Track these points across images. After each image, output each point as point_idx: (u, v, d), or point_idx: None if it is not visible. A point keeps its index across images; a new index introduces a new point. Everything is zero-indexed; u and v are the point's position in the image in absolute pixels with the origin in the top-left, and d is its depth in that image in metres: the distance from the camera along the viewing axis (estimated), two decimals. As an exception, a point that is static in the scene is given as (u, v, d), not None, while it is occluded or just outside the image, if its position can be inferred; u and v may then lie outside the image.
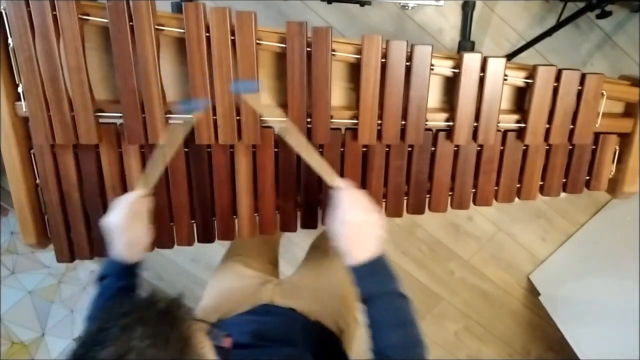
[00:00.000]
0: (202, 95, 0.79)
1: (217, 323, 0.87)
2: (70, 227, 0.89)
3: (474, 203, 0.95)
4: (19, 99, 0.79)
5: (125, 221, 0.73)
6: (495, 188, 0.94)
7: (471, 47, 1.72)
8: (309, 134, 0.84)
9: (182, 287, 2.09)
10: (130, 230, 0.73)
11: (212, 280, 1.08)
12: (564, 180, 0.96)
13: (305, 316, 0.89)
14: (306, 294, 0.95)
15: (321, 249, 1.16)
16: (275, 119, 0.77)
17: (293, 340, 0.79)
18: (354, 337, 0.96)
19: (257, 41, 0.78)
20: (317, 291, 0.98)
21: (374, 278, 0.68)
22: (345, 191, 0.70)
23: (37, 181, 0.85)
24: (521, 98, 0.92)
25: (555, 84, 0.86)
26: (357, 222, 0.68)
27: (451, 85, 0.89)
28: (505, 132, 0.90)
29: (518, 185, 0.95)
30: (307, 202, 0.91)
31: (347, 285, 1.03)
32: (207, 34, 0.77)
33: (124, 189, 0.87)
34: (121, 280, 0.75)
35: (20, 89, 0.78)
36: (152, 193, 0.77)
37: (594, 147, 0.94)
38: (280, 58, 0.83)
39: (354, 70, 0.85)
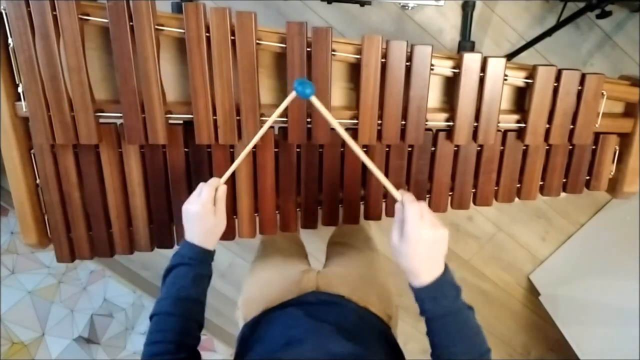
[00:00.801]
0: (202, 95, 0.79)
1: (262, 314, 0.87)
2: (70, 227, 0.89)
3: (474, 203, 0.95)
4: (19, 99, 0.79)
5: (209, 207, 0.73)
6: (495, 188, 0.94)
7: (471, 47, 1.72)
8: (309, 134, 0.84)
9: (182, 287, 2.09)
10: (213, 216, 0.74)
11: (250, 276, 1.07)
12: (564, 180, 0.96)
13: (355, 302, 0.88)
14: (350, 281, 0.94)
15: (347, 244, 1.15)
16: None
17: (362, 337, 0.77)
18: (397, 323, 0.95)
19: (257, 41, 0.78)
20: (360, 279, 0.97)
21: (442, 299, 0.64)
22: (411, 206, 0.63)
23: (37, 181, 0.85)
24: (521, 98, 0.92)
25: (555, 84, 0.86)
26: (426, 241, 0.62)
27: (451, 85, 0.89)
28: (505, 132, 0.90)
29: (518, 185, 0.95)
30: (307, 202, 0.91)
31: (385, 274, 1.04)
32: (207, 34, 0.77)
33: (124, 188, 0.87)
34: (197, 267, 0.74)
35: (20, 89, 0.78)
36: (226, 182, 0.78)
37: (594, 147, 0.94)
38: (280, 58, 0.83)
39: (354, 70, 0.85)
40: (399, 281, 2.13)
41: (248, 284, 1.03)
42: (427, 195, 0.94)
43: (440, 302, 0.63)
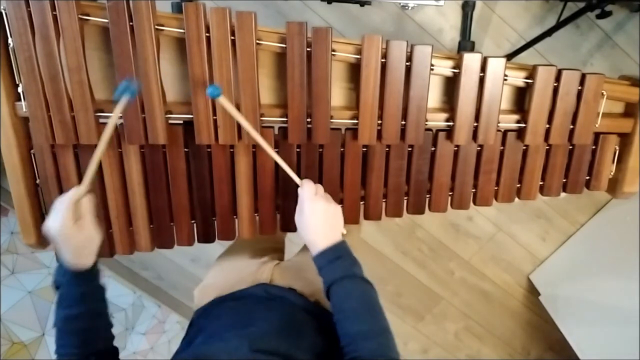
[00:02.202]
0: (202, 95, 0.79)
1: (213, 301, 0.87)
2: (70, 227, 0.89)
3: (474, 203, 0.95)
4: (19, 99, 0.79)
5: (70, 224, 0.65)
6: (495, 188, 0.94)
7: (471, 47, 1.72)
8: (309, 134, 0.84)
9: (182, 287, 2.09)
10: (76, 233, 0.66)
11: (215, 264, 1.08)
12: (564, 180, 0.96)
13: (304, 296, 0.88)
14: (306, 275, 0.94)
15: None
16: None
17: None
18: None
19: (257, 41, 0.78)
20: (316, 273, 0.97)
21: (338, 262, 0.71)
22: (307, 185, 0.75)
23: (37, 181, 0.85)
24: (521, 98, 0.92)
25: (555, 84, 0.86)
26: (320, 212, 0.73)
27: (451, 85, 0.89)
28: (505, 132, 0.90)
29: (518, 185, 0.95)
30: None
31: None
32: (207, 34, 0.77)
33: (124, 189, 0.87)
34: (78, 287, 0.69)
35: (20, 89, 0.78)
36: (91, 189, 0.70)
37: (594, 147, 0.94)
38: (280, 58, 0.83)
39: (354, 70, 0.85)
40: (398, 281, 2.14)
41: (210, 272, 1.04)
42: (427, 195, 0.94)
43: (336, 266, 0.71)
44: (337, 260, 0.71)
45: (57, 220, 0.65)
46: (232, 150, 0.86)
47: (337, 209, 0.76)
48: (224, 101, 0.74)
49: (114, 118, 0.70)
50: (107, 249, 0.91)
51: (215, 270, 1.04)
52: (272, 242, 1.20)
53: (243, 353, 0.64)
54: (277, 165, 0.87)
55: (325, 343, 0.75)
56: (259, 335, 0.69)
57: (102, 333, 0.74)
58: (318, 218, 0.73)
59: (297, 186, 0.79)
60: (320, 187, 0.77)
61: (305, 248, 1.14)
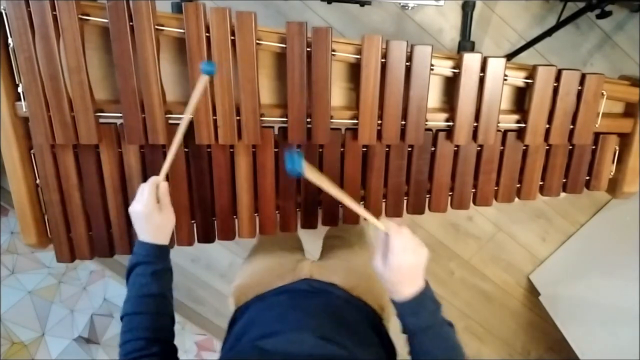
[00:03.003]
0: (202, 96, 0.79)
1: (255, 298, 0.88)
2: (70, 227, 0.89)
3: (474, 203, 0.95)
4: (19, 99, 0.79)
5: (154, 205, 0.75)
6: (495, 188, 0.94)
7: (471, 47, 1.72)
8: (309, 134, 0.84)
9: (182, 287, 2.09)
10: (157, 213, 0.75)
11: (244, 265, 1.08)
12: (564, 180, 0.96)
13: (347, 291, 0.88)
14: (343, 272, 0.95)
15: (342, 238, 1.16)
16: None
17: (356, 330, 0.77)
18: (391, 318, 0.95)
19: (257, 41, 0.78)
20: (352, 270, 0.97)
21: (421, 312, 0.67)
22: (396, 237, 0.67)
23: (37, 181, 0.85)
24: (521, 98, 0.92)
25: (555, 84, 0.86)
26: (408, 266, 0.67)
27: (451, 85, 0.89)
28: (505, 132, 0.90)
29: (518, 185, 0.95)
30: (307, 202, 0.91)
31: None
32: (207, 34, 0.77)
33: (124, 188, 0.87)
34: (153, 264, 0.75)
35: (20, 89, 0.78)
36: (166, 179, 0.79)
37: (594, 147, 0.94)
38: (280, 58, 0.83)
39: (354, 70, 0.85)
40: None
41: (242, 272, 1.04)
42: (427, 195, 0.94)
43: (421, 316, 0.67)
44: (421, 310, 0.67)
45: (142, 200, 0.75)
46: (232, 150, 0.86)
47: (425, 255, 0.68)
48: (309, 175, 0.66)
49: (194, 97, 0.74)
50: (107, 249, 0.91)
51: (248, 271, 1.03)
52: (292, 241, 1.21)
53: (310, 342, 0.66)
54: (277, 165, 0.88)
55: (372, 336, 0.77)
56: (320, 325, 0.72)
57: (168, 322, 0.76)
58: (406, 271, 0.67)
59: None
60: (407, 233, 0.68)
61: (329, 251, 1.12)
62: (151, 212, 0.74)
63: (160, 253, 0.76)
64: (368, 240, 1.20)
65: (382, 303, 0.92)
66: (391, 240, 0.67)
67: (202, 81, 0.72)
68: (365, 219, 0.72)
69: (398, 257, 0.66)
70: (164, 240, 0.77)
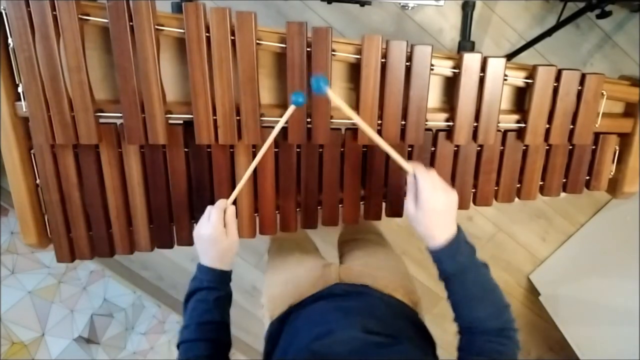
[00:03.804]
0: (202, 95, 0.79)
1: (289, 310, 0.88)
2: (70, 227, 0.89)
3: (474, 203, 0.95)
4: (19, 99, 0.79)
5: (221, 230, 0.73)
6: (495, 188, 0.94)
7: (471, 47, 1.72)
8: (309, 134, 0.84)
9: (182, 287, 2.09)
10: (224, 238, 0.74)
11: (271, 274, 1.07)
12: (564, 180, 0.96)
13: (379, 290, 0.89)
14: (371, 272, 0.95)
15: (361, 240, 1.16)
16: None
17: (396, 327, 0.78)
18: (422, 309, 0.96)
19: (257, 41, 0.78)
20: (381, 269, 0.98)
21: (458, 256, 0.68)
22: (424, 177, 0.68)
23: (37, 181, 0.85)
24: (521, 98, 0.92)
25: (555, 84, 0.86)
26: (441, 208, 0.67)
27: (451, 85, 0.89)
28: (505, 132, 0.90)
29: (518, 185, 0.95)
30: (307, 202, 0.91)
31: (404, 263, 1.06)
32: (207, 34, 0.77)
33: (124, 188, 0.87)
34: (216, 290, 0.75)
35: (20, 89, 0.78)
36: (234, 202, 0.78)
37: (594, 147, 0.94)
38: (280, 58, 0.83)
39: (354, 70, 0.85)
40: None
41: (270, 282, 1.03)
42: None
43: (457, 260, 0.68)
44: (457, 254, 0.68)
45: (210, 225, 0.73)
46: (232, 150, 0.86)
47: (456, 197, 0.69)
48: (331, 94, 0.68)
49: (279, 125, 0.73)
50: (107, 249, 0.91)
51: (277, 281, 1.02)
52: (308, 242, 1.21)
53: (358, 338, 0.67)
54: (277, 165, 0.88)
55: (412, 330, 0.78)
56: (365, 321, 0.72)
57: (227, 350, 0.75)
58: (439, 212, 0.67)
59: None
60: (434, 175, 0.69)
61: (350, 253, 1.12)
62: (219, 236, 0.73)
63: (224, 279, 0.76)
64: (386, 238, 1.20)
65: (414, 298, 0.93)
66: (419, 181, 0.68)
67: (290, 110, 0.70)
68: (395, 161, 0.72)
69: (429, 197, 0.66)
70: (227, 265, 0.77)
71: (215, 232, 0.73)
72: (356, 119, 0.71)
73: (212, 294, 0.74)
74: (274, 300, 0.94)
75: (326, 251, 1.25)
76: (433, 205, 0.67)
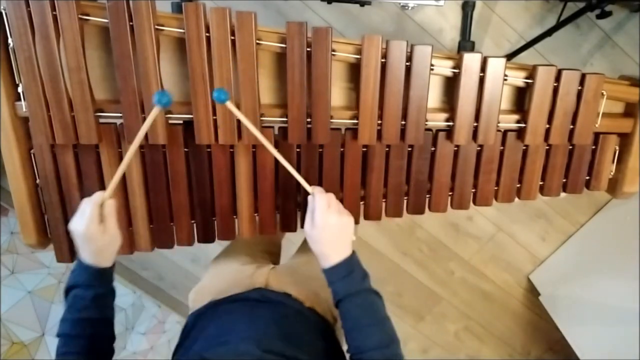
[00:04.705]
0: (202, 95, 0.79)
1: (209, 304, 0.87)
2: (70, 227, 0.89)
3: (474, 203, 0.95)
4: (19, 99, 0.79)
5: (96, 226, 0.68)
6: (495, 188, 0.94)
7: (471, 47, 1.72)
8: (309, 134, 0.84)
9: (182, 287, 2.09)
10: (100, 235, 0.68)
11: (210, 266, 1.08)
12: (564, 180, 0.96)
13: (300, 302, 0.88)
14: (301, 280, 0.95)
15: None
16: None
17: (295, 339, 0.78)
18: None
19: (257, 41, 0.78)
20: (310, 279, 0.96)
21: (349, 278, 0.71)
22: (320, 196, 0.73)
23: (37, 181, 0.85)
24: (521, 98, 0.92)
25: (555, 84, 0.86)
26: (333, 226, 0.71)
27: (451, 85, 0.89)
28: (505, 132, 0.90)
29: (518, 185, 0.95)
30: (307, 202, 0.91)
31: None
32: (207, 34, 0.77)
33: (124, 188, 0.87)
34: (93, 288, 0.71)
35: (20, 89, 0.78)
36: (114, 195, 0.72)
37: (594, 147, 0.94)
38: (280, 58, 0.83)
39: (354, 70, 0.85)
40: (398, 281, 2.14)
41: (206, 273, 1.04)
42: (427, 195, 0.94)
43: (349, 281, 0.71)
44: (349, 276, 0.71)
45: (82, 221, 0.67)
46: (232, 150, 0.86)
47: (350, 221, 0.73)
48: (230, 106, 0.72)
49: (144, 127, 0.69)
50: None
51: (211, 273, 1.04)
52: (268, 244, 1.20)
53: (254, 355, 0.66)
54: (277, 165, 0.88)
55: (322, 348, 0.77)
56: (263, 337, 0.71)
57: (108, 344, 0.74)
58: (331, 233, 0.71)
59: (305, 192, 0.76)
60: (332, 197, 0.74)
61: (301, 249, 1.14)
62: (92, 234, 0.67)
63: (102, 276, 0.71)
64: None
65: (335, 313, 0.91)
66: (316, 201, 0.72)
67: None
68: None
69: (321, 215, 0.71)
70: (106, 262, 0.71)
71: (89, 230, 0.67)
72: (260, 137, 0.74)
73: (89, 291, 0.70)
74: (198, 292, 0.94)
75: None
76: (325, 224, 0.71)
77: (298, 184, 0.89)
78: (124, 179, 0.87)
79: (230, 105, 0.71)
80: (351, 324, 0.70)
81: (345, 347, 0.73)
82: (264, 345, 0.68)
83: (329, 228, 0.71)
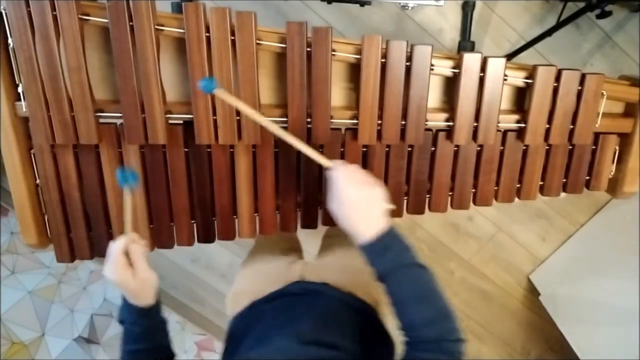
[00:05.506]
0: (202, 95, 0.79)
1: (250, 305, 0.88)
2: (70, 227, 0.89)
3: (474, 203, 0.95)
4: (19, 99, 0.79)
5: (125, 272, 0.69)
6: (495, 188, 0.94)
7: (471, 47, 1.72)
8: (309, 134, 0.84)
9: (182, 287, 2.09)
10: (131, 279, 0.69)
11: (242, 270, 1.09)
12: (564, 180, 0.96)
13: (339, 289, 0.88)
14: (335, 270, 0.95)
15: (336, 236, 1.17)
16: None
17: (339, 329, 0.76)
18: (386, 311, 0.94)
19: (257, 41, 0.78)
20: (345, 267, 0.98)
21: (388, 253, 0.64)
22: (338, 169, 0.67)
23: (37, 181, 0.85)
24: (521, 98, 0.92)
25: (555, 84, 0.86)
26: (355, 199, 0.64)
27: (451, 85, 0.89)
28: (505, 132, 0.90)
29: (518, 185, 0.95)
30: (307, 202, 0.91)
31: None
32: (207, 34, 0.77)
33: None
34: (140, 325, 0.73)
35: (20, 89, 0.78)
36: (137, 238, 0.74)
37: (594, 147, 0.94)
38: (280, 58, 0.83)
39: (354, 70, 0.85)
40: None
41: (238, 278, 1.04)
42: (427, 195, 0.94)
43: (386, 256, 0.64)
44: (387, 251, 0.64)
45: (111, 269, 0.69)
46: (232, 150, 0.86)
47: (376, 191, 0.65)
48: (220, 93, 0.69)
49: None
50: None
51: (243, 277, 1.04)
52: (289, 242, 1.21)
53: (294, 349, 0.65)
54: (277, 165, 0.88)
55: (364, 332, 0.76)
56: (304, 329, 0.70)
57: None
58: (356, 207, 0.64)
59: (320, 171, 0.71)
60: (353, 168, 0.67)
61: (323, 250, 1.13)
62: (123, 280, 0.69)
63: (147, 312, 0.73)
64: None
65: (376, 297, 0.92)
66: (333, 175, 0.66)
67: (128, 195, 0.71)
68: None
69: (341, 189, 0.64)
70: (147, 300, 0.73)
71: (118, 277, 0.68)
72: (260, 120, 0.71)
73: (136, 327, 0.73)
74: (236, 295, 0.95)
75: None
76: (346, 199, 0.64)
77: (298, 184, 0.90)
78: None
79: (219, 92, 0.69)
80: (397, 302, 0.64)
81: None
82: (304, 337, 0.68)
83: (352, 202, 0.64)
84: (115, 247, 0.70)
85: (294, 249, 1.19)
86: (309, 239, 1.34)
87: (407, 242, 0.66)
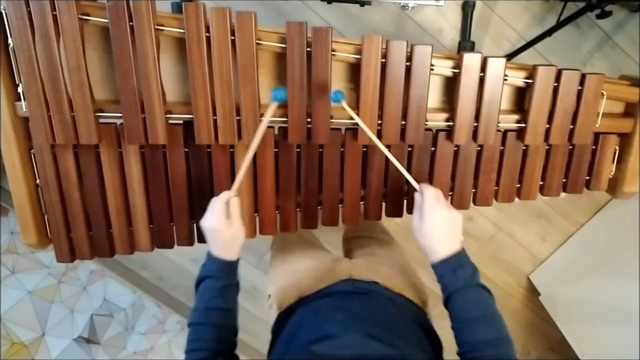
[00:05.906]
0: (202, 95, 0.79)
1: (299, 301, 0.88)
2: (70, 227, 0.89)
3: (474, 203, 0.95)
4: (19, 99, 0.79)
5: (223, 221, 0.74)
6: (495, 188, 0.94)
7: (471, 47, 1.72)
8: (309, 134, 0.84)
9: (182, 287, 2.09)
10: (227, 229, 0.75)
11: (277, 267, 1.08)
12: (564, 180, 0.96)
13: (389, 288, 0.89)
14: (381, 269, 0.96)
15: (367, 237, 1.17)
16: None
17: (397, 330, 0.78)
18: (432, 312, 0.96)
19: (257, 41, 0.78)
20: (389, 267, 0.98)
21: (460, 272, 0.71)
22: (428, 191, 0.73)
23: (37, 181, 0.85)
24: (521, 98, 0.92)
25: (555, 84, 0.86)
26: (442, 220, 0.72)
27: (451, 85, 0.89)
28: (505, 132, 0.90)
29: (518, 185, 0.95)
30: (307, 202, 0.91)
31: (411, 262, 1.07)
32: (207, 34, 0.77)
33: (124, 188, 0.87)
34: (222, 279, 0.77)
35: (20, 89, 0.78)
36: (238, 193, 0.78)
37: (594, 147, 0.94)
38: (280, 58, 0.83)
39: (354, 70, 0.85)
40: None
41: (278, 274, 1.04)
42: (427, 195, 0.93)
43: (458, 275, 0.71)
44: (459, 269, 0.72)
45: (212, 217, 0.75)
46: (232, 150, 0.86)
47: (458, 216, 0.74)
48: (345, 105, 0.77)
49: (265, 122, 0.77)
50: (107, 249, 0.91)
51: (284, 271, 1.04)
52: (315, 238, 1.21)
53: (360, 344, 0.67)
54: (277, 165, 0.88)
55: (417, 332, 0.78)
56: (365, 326, 0.72)
57: (233, 335, 0.78)
58: (440, 227, 0.72)
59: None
60: (439, 193, 0.75)
61: (358, 251, 1.13)
62: (220, 229, 0.74)
63: (229, 268, 0.77)
64: (392, 236, 1.22)
65: (423, 297, 0.93)
66: (425, 195, 0.73)
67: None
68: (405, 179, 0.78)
69: (430, 209, 0.72)
70: (233, 255, 0.78)
71: (217, 225, 0.74)
72: (371, 135, 0.78)
73: (218, 282, 0.76)
74: (282, 291, 0.94)
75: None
76: (434, 216, 0.72)
77: (298, 184, 0.90)
78: (123, 179, 0.87)
79: (344, 105, 0.78)
80: (462, 319, 0.70)
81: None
82: (368, 332, 0.69)
83: (439, 222, 0.72)
84: (220, 198, 0.75)
85: (320, 244, 1.19)
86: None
87: (475, 266, 0.74)
